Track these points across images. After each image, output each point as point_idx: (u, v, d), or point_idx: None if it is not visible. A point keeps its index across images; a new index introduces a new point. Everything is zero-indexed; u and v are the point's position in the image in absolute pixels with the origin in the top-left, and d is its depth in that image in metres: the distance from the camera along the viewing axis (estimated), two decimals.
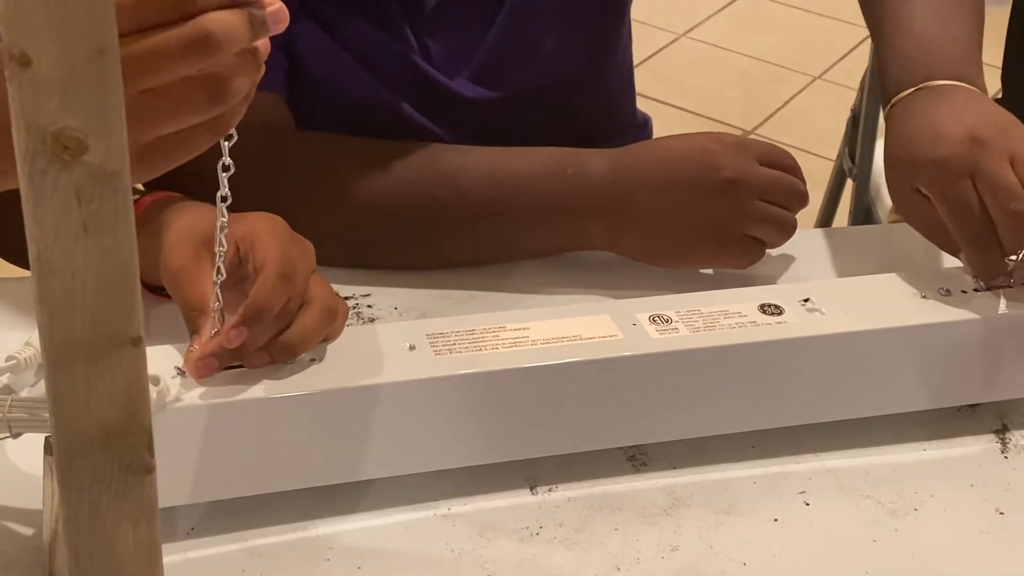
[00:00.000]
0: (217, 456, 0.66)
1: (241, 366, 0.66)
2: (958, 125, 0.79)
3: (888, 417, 0.77)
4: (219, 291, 0.65)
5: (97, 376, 0.44)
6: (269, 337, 0.66)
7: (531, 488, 0.72)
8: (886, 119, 0.87)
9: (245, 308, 0.64)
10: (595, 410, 0.72)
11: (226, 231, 0.62)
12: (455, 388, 0.69)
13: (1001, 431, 0.79)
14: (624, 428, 0.73)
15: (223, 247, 0.63)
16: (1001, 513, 0.72)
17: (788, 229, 0.86)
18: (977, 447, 0.77)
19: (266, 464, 0.68)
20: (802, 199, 0.87)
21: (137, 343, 0.44)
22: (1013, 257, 0.79)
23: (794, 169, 0.87)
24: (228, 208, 0.61)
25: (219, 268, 0.64)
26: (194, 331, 0.66)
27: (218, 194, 0.60)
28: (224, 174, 0.59)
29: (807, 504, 0.72)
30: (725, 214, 0.84)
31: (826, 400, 0.76)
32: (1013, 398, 0.79)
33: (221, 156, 0.58)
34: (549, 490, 0.72)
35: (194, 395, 0.65)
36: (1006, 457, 0.77)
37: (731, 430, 0.75)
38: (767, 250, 0.86)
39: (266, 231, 0.68)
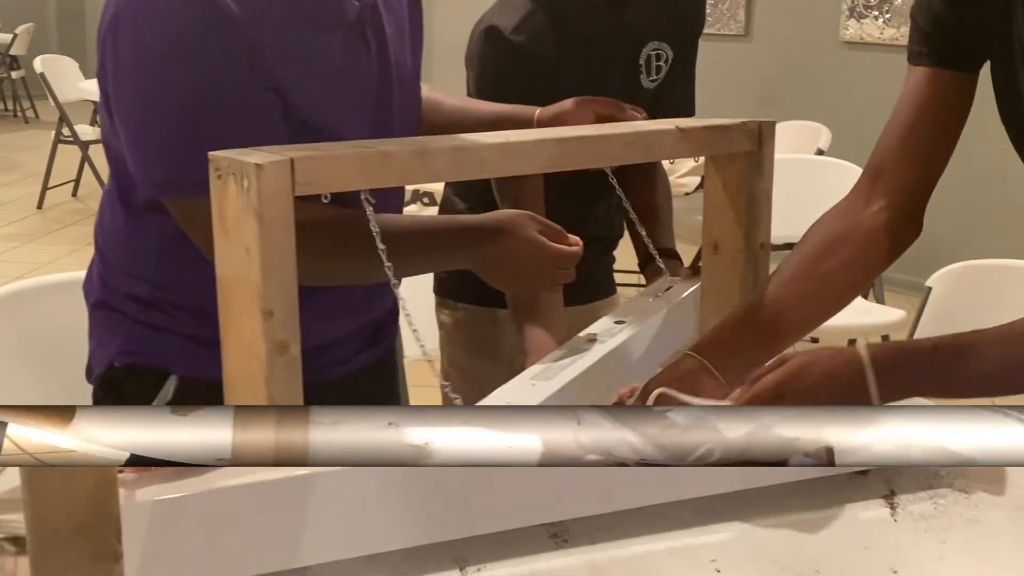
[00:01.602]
0: (162, 549, 0.69)
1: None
2: None
3: (788, 485, 0.83)
4: None
5: (71, 469, 0.48)
6: None
7: (460, 568, 0.76)
8: None
9: None
10: (516, 487, 0.76)
11: None
12: (384, 474, 0.73)
13: (889, 496, 0.85)
14: (545, 505, 0.78)
15: None
16: (895, 572, 0.77)
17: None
18: (868, 512, 0.84)
19: (209, 554, 0.71)
20: None
21: None
22: None
23: None
24: None
25: None
26: None
27: None
28: None
29: (718, 572, 0.77)
30: None
31: (728, 472, 0.81)
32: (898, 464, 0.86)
33: None
34: (478, 570, 0.76)
35: (143, 493, 0.68)
36: (895, 520, 0.83)
37: (647, 503, 0.80)
38: None
39: None
